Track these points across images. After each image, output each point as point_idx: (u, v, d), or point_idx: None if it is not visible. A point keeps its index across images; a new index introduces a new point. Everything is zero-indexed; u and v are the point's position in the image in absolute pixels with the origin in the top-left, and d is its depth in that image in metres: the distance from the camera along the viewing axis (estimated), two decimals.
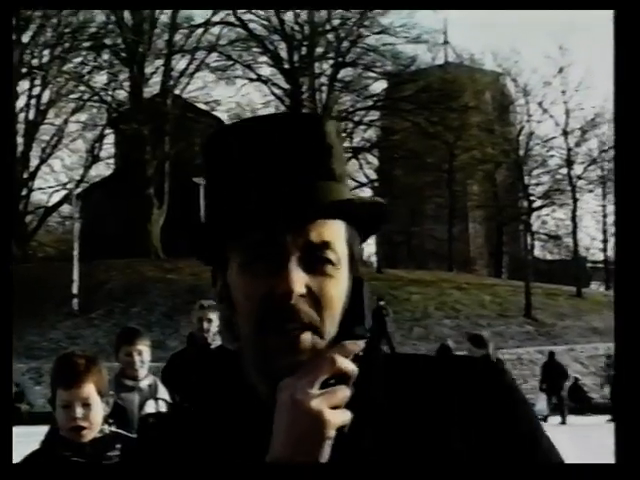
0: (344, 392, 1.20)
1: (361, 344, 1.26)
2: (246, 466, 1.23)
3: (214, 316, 6.63)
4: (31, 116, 42.06)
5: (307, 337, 1.24)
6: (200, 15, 42.55)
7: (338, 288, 1.28)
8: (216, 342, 6.73)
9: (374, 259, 45.61)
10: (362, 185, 44.76)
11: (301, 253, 1.25)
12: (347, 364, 1.22)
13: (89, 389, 3.30)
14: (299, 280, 1.23)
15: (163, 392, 5.75)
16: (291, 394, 1.20)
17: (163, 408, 5.50)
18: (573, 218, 44.27)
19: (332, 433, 1.18)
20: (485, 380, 1.31)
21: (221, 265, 1.34)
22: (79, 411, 3.27)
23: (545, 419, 20.57)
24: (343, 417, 1.20)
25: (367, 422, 1.25)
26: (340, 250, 1.28)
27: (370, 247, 46.69)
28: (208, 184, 1.37)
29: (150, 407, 5.53)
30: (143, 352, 5.71)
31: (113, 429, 3.45)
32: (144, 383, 5.63)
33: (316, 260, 1.26)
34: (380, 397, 1.29)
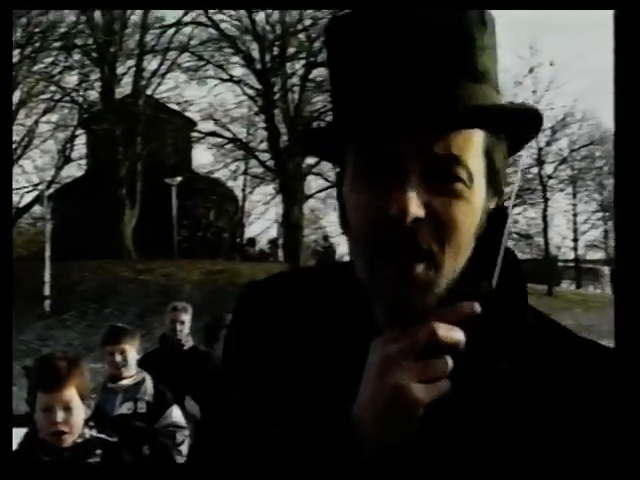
0: (442, 365, 1.04)
1: (477, 308, 1.06)
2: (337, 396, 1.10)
3: (187, 318, 6.74)
4: None
5: (421, 268, 1.06)
6: (171, 15, 42.37)
7: (468, 212, 1.07)
8: (189, 343, 6.78)
9: (348, 259, 45.52)
10: (334, 186, 44.61)
11: (423, 167, 1.05)
12: (451, 334, 1.05)
13: (70, 393, 3.27)
14: (417, 199, 1.03)
15: (150, 390, 5.71)
16: (380, 360, 1.05)
17: (143, 409, 5.47)
18: (544, 217, 44.47)
19: (419, 410, 1.04)
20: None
21: (339, 175, 1.17)
22: (60, 415, 3.24)
23: None
24: (438, 391, 1.04)
25: (467, 399, 1.09)
26: (473, 165, 1.08)
27: (344, 247, 46.65)
28: (331, 73, 1.18)
29: (124, 409, 5.50)
30: (127, 351, 5.67)
31: (94, 433, 3.41)
32: (127, 382, 5.60)
33: (442, 176, 1.06)
34: (491, 372, 1.11)
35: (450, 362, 1.05)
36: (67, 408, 3.24)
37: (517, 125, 1.13)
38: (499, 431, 1.09)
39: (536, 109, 1.15)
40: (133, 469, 3.39)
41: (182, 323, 6.81)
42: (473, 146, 1.08)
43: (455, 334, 1.05)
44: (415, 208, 1.03)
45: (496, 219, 1.12)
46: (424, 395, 1.03)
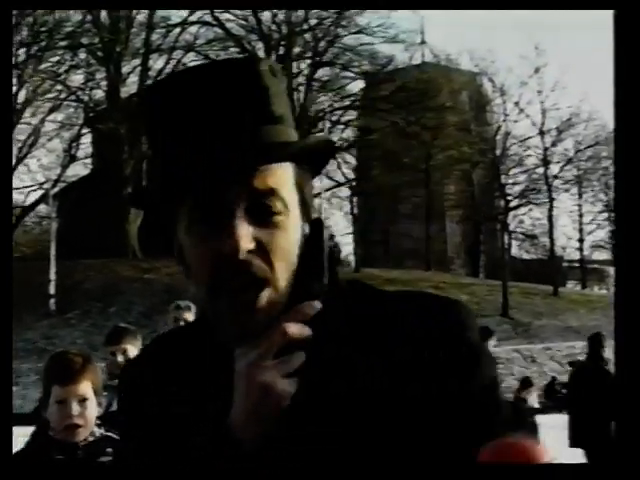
0: (299, 359, 1.19)
1: (317, 305, 1.22)
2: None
3: (190, 316, 6.65)
4: None
5: (263, 297, 1.19)
6: (177, 15, 42.43)
7: (289, 238, 1.22)
8: None
9: (352, 258, 45.61)
10: (340, 185, 44.76)
11: (246, 205, 1.18)
12: (300, 330, 1.19)
13: (86, 386, 3.27)
14: (246, 235, 1.17)
15: None
16: (245, 365, 1.18)
17: None
18: (549, 217, 44.51)
19: (286, 402, 1.18)
20: (449, 324, 1.26)
21: (171, 225, 1.27)
22: (75, 408, 3.23)
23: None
24: (297, 384, 1.19)
25: (322, 385, 1.22)
26: (288, 196, 1.22)
27: (348, 247, 46.76)
28: (148, 141, 1.30)
29: (114, 407, 5.50)
30: (128, 351, 5.67)
31: (103, 431, 3.41)
32: None
33: (263, 211, 1.19)
34: (338, 355, 1.24)
35: (303, 355, 1.20)
36: (82, 401, 3.25)
37: (315, 155, 1.28)
38: (355, 411, 1.22)
39: (331, 140, 1.32)
40: (143, 467, 3.39)
41: (185, 322, 6.77)
42: (286, 179, 1.23)
43: (304, 330, 1.20)
44: (245, 242, 1.17)
45: (314, 231, 1.27)
46: (288, 387, 1.18)
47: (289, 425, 1.20)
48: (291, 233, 1.23)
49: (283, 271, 1.21)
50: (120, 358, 5.66)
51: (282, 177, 1.22)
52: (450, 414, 1.21)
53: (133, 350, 5.67)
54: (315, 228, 1.27)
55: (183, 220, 1.23)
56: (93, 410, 3.29)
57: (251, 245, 1.17)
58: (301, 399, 1.20)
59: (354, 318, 1.28)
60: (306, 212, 1.27)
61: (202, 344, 1.32)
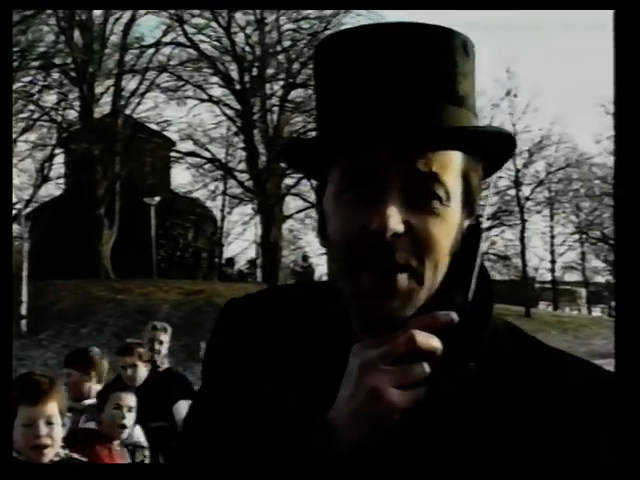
0: (420, 371, 1.08)
1: (454, 317, 1.10)
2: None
3: (165, 338, 6.72)
4: None
5: (403, 278, 1.09)
6: (150, 36, 42.43)
7: (445, 228, 1.11)
8: (164, 365, 6.74)
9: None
10: (313, 205, 44.65)
11: (404, 185, 1.09)
12: (429, 341, 1.08)
13: (53, 407, 3.29)
14: (397, 215, 1.07)
15: None
16: (360, 363, 1.08)
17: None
18: (522, 239, 44.70)
19: (394, 415, 1.07)
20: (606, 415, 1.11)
21: (321, 188, 1.19)
22: (43, 428, 3.24)
23: None
24: (413, 397, 1.07)
25: (441, 409, 1.11)
26: (451, 184, 1.12)
27: (322, 268, 46.69)
28: (317, 91, 1.21)
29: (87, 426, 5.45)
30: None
31: (67, 452, 3.42)
32: (90, 401, 5.58)
33: (421, 194, 1.10)
34: (465, 382, 1.12)
35: (427, 369, 1.08)
36: (49, 422, 3.25)
37: (493, 148, 1.16)
38: (473, 434, 1.12)
39: (510, 133, 1.17)
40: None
41: (160, 343, 6.71)
42: (452, 166, 1.12)
43: (433, 341, 1.09)
44: (395, 224, 1.07)
45: (470, 237, 1.16)
46: (400, 400, 1.07)
47: (391, 441, 1.09)
48: (449, 224, 1.12)
49: (432, 263, 1.11)
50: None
51: (449, 163, 1.11)
52: None
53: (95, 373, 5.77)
54: (473, 232, 1.18)
55: (332, 183, 1.15)
56: (59, 430, 3.30)
57: (400, 227, 1.07)
58: (414, 416, 1.09)
59: (497, 354, 1.17)
60: (470, 208, 1.18)
61: (323, 317, 1.23)
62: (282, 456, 1.10)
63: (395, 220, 1.07)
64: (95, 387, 5.70)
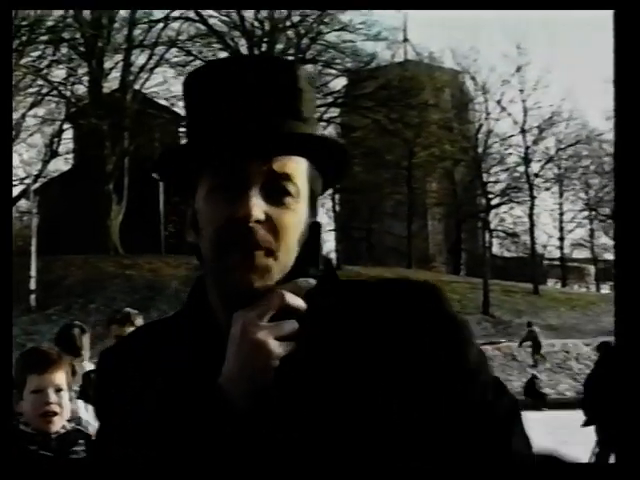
0: (291, 325, 1.32)
1: (312, 281, 1.36)
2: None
3: (139, 322, 5.98)
4: None
5: (260, 256, 1.32)
6: (160, 10, 42.28)
7: (295, 220, 1.36)
8: None
9: (333, 255, 45.63)
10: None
11: (263, 183, 1.34)
12: (296, 300, 1.33)
13: (61, 376, 3.33)
14: (258, 206, 1.32)
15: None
16: (242, 324, 1.30)
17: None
18: (530, 216, 44.68)
19: (275, 362, 1.29)
20: (431, 310, 1.36)
21: (191, 192, 1.41)
22: (53, 396, 3.28)
23: None
24: (288, 348, 1.30)
25: (312, 354, 1.33)
26: (300, 184, 1.38)
27: (329, 244, 46.79)
28: (186, 116, 1.46)
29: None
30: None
31: (74, 425, 3.46)
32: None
33: (277, 191, 1.35)
34: (328, 331, 1.36)
35: (296, 325, 1.32)
36: (58, 390, 3.30)
37: (328, 154, 1.41)
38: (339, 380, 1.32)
39: (336, 140, 1.47)
40: (120, 461, 3.40)
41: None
42: (300, 170, 1.38)
43: (298, 301, 1.34)
44: (257, 212, 1.32)
45: (314, 229, 1.41)
46: (278, 349, 1.30)
47: (277, 389, 1.30)
48: (298, 216, 1.37)
49: (285, 246, 1.35)
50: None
51: (298, 167, 1.37)
52: (443, 394, 1.30)
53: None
54: (315, 226, 1.43)
55: (204, 187, 1.37)
56: (67, 401, 3.33)
57: (262, 216, 1.32)
58: (288, 367, 1.30)
59: (343, 304, 1.39)
60: (312, 207, 1.43)
61: (194, 316, 1.44)
62: (181, 428, 1.30)
63: (257, 210, 1.32)
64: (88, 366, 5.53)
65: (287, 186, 1.35)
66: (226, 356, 1.32)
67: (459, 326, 1.37)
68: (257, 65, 1.39)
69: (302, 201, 1.39)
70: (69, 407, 3.37)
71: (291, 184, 1.36)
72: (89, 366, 5.71)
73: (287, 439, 1.30)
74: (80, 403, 4.78)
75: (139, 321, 5.91)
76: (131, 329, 5.65)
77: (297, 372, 1.32)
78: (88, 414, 4.78)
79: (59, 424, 3.30)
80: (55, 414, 3.28)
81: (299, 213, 1.38)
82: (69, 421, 3.43)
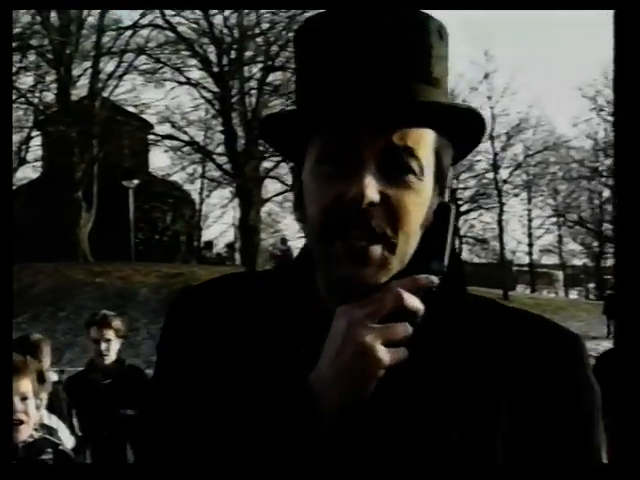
0: (404, 330, 1.12)
1: (435, 280, 1.16)
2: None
3: (112, 335, 5.83)
4: None
5: (377, 248, 1.13)
6: (128, 17, 42.14)
7: (418, 201, 1.16)
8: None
9: None
10: (291, 189, 44.58)
11: (380, 158, 1.14)
12: (413, 301, 1.13)
13: (27, 384, 3.30)
14: (373, 186, 1.12)
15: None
16: (347, 322, 1.11)
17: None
18: (499, 222, 44.83)
19: (380, 371, 1.11)
20: (559, 353, 1.18)
21: (299, 161, 1.24)
22: (18, 404, 3.25)
23: None
24: (397, 356, 1.11)
25: (423, 365, 1.16)
26: (425, 159, 1.17)
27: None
28: (297, 70, 1.26)
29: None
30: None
31: (41, 434, 3.43)
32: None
33: (396, 167, 1.15)
34: (444, 342, 1.18)
35: (410, 329, 1.13)
36: (24, 398, 3.27)
37: (463, 126, 1.21)
38: (447, 400, 1.16)
39: (479, 112, 1.21)
40: (84, 469, 3.39)
41: (108, 341, 5.83)
42: (425, 143, 1.17)
43: (416, 302, 1.13)
44: (371, 193, 1.11)
45: (441, 213, 1.22)
46: (386, 357, 1.10)
47: (376, 402, 1.13)
48: (422, 197, 1.18)
49: (405, 234, 1.15)
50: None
51: (423, 139, 1.17)
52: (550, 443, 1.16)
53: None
54: (443, 208, 1.23)
55: (311, 157, 1.19)
56: (34, 408, 3.31)
57: (376, 197, 1.12)
58: (395, 380, 1.13)
59: (468, 319, 1.22)
60: (440, 185, 1.24)
61: (287, 300, 1.25)
62: (263, 426, 1.12)
63: (372, 190, 1.11)
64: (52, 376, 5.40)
65: (409, 162, 1.15)
66: (323, 353, 1.13)
67: (593, 395, 1.19)
68: (381, 18, 1.15)
69: (427, 179, 1.18)
70: (36, 415, 3.34)
71: (414, 159, 1.15)
72: (53, 376, 5.63)
73: (372, 465, 1.12)
74: (45, 413, 4.66)
75: (117, 323, 5.86)
76: (110, 331, 5.65)
77: (403, 387, 1.15)
78: (54, 423, 4.70)
79: (26, 433, 3.27)
80: (21, 422, 3.25)
81: (423, 193, 1.18)
82: (36, 430, 3.40)
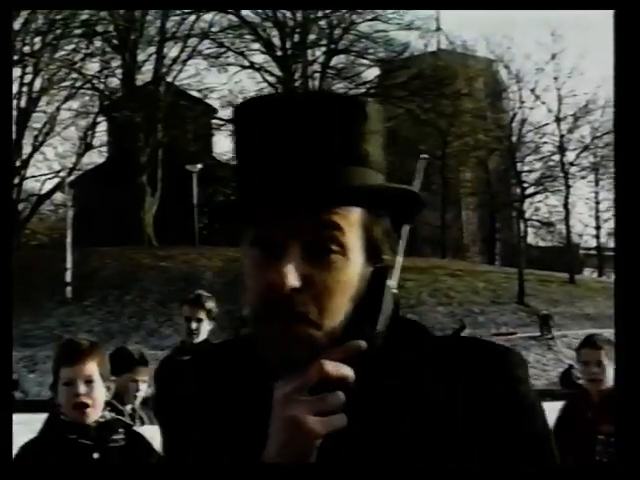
0: (335, 398, 1.14)
1: (363, 344, 1.17)
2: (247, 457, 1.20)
3: (203, 315, 5.83)
4: (23, 104, 41.83)
5: (301, 328, 1.16)
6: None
7: (344, 279, 1.18)
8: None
9: None
10: None
11: (305, 241, 1.16)
12: (339, 369, 1.15)
13: (92, 367, 3.32)
14: (293, 272, 1.15)
15: None
16: (280, 398, 1.15)
17: None
18: (566, 205, 44.37)
19: (316, 442, 1.13)
20: (497, 372, 1.20)
21: (240, 240, 1.26)
22: (82, 388, 3.28)
23: None
24: (334, 423, 1.14)
25: (362, 427, 1.18)
26: (350, 239, 1.18)
27: None
28: (233, 151, 1.28)
29: None
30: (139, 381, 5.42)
31: (114, 415, 3.46)
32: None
33: (320, 249, 1.17)
34: (379, 403, 1.20)
35: (342, 396, 1.14)
36: (89, 382, 3.30)
37: (395, 204, 1.23)
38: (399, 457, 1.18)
39: (413, 191, 1.24)
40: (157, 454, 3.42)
41: (199, 321, 5.78)
42: (350, 222, 1.18)
43: (343, 369, 1.15)
44: (292, 280, 1.15)
45: (376, 277, 1.23)
46: (319, 427, 1.13)
47: (321, 468, 1.16)
48: (349, 274, 1.19)
49: (330, 312, 1.18)
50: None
51: (348, 219, 1.19)
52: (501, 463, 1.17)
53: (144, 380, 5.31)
54: (378, 274, 1.24)
55: (247, 239, 1.22)
56: (101, 391, 3.33)
57: (297, 283, 1.15)
58: (335, 445, 1.15)
59: (401, 365, 1.23)
60: (375, 256, 1.24)
61: (249, 366, 1.29)
62: None
63: (292, 277, 1.15)
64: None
65: (333, 242, 1.17)
66: (270, 429, 1.16)
67: (533, 410, 1.20)
68: (313, 102, 1.19)
69: (354, 256, 1.20)
70: (103, 397, 3.36)
71: (338, 239, 1.17)
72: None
73: None
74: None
75: (210, 304, 5.80)
76: (202, 312, 5.63)
77: (345, 450, 1.17)
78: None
79: (92, 415, 3.30)
80: (87, 405, 3.28)
81: (349, 270, 1.19)
82: (110, 411, 3.43)
